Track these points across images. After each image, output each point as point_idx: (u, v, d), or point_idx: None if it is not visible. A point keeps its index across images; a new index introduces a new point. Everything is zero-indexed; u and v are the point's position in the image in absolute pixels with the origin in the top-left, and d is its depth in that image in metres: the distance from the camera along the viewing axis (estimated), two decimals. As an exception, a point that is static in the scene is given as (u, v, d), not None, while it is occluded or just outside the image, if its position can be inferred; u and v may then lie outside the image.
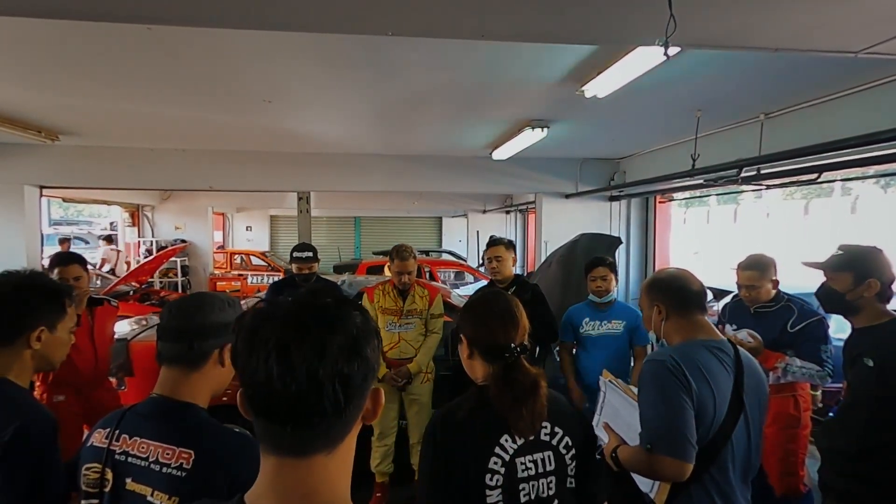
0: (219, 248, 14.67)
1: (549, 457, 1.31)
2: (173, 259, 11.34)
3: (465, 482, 1.25)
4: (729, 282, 3.12)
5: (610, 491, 1.76)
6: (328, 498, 0.70)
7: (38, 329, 1.45)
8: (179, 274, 11.62)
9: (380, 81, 3.79)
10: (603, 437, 1.86)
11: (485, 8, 2.16)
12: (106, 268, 10.56)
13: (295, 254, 3.65)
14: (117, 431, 1.18)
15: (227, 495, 1.09)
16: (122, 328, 3.72)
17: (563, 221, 7.04)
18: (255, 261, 13.82)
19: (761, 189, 5.17)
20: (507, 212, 14.71)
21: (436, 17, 2.24)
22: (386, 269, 3.65)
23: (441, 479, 1.26)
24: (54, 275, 2.87)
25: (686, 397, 1.51)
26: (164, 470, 1.11)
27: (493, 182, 7.29)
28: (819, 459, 2.20)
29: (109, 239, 11.76)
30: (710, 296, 4.98)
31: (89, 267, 3.12)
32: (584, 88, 3.58)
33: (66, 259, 2.97)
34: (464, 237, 16.84)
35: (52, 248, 10.21)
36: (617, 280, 3.45)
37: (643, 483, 1.69)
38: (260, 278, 12.49)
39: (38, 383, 2.83)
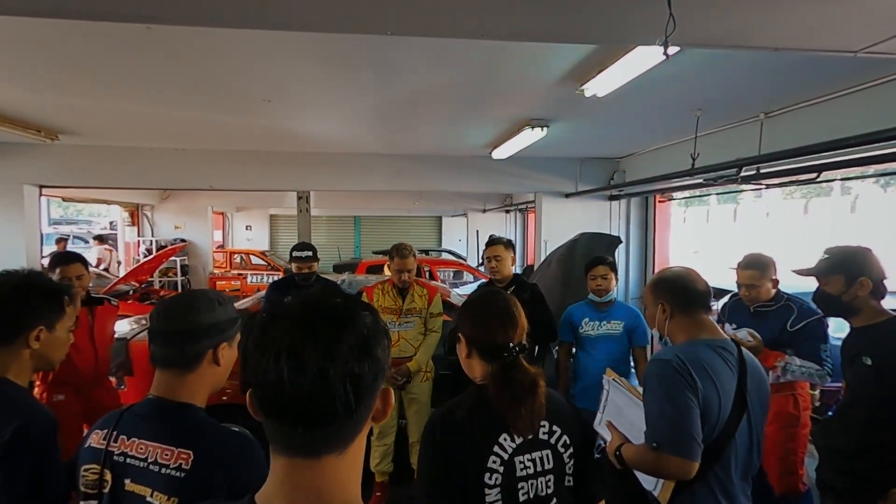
0: (218, 247, 14.67)
1: (547, 456, 1.32)
2: (173, 258, 11.33)
3: (464, 481, 1.25)
4: (728, 281, 3.13)
5: (612, 489, 1.77)
6: (340, 498, 0.70)
7: (36, 328, 1.45)
8: (179, 273, 11.61)
9: (379, 81, 3.78)
10: (605, 435, 1.87)
11: (484, 7, 2.16)
12: (101, 267, 10.54)
13: (294, 253, 3.65)
14: (115, 432, 1.18)
15: (226, 495, 1.10)
16: (122, 327, 3.72)
17: (563, 221, 7.04)
18: (255, 260, 13.82)
19: (761, 188, 5.17)
20: (507, 211, 14.70)
21: (435, 16, 2.24)
22: (385, 268, 3.65)
23: (440, 478, 1.26)
24: (56, 274, 2.88)
25: (692, 396, 1.52)
26: (163, 471, 1.11)
27: (492, 181, 7.29)
28: (818, 458, 2.20)
29: (101, 238, 11.72)
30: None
31: (90, 267, 3.13)
32: (583, 88, 3.57)
33: (68, 258, 2.99)
34: (463, 236, 16.84)
35: (51, 248, 10.19)
36: (617, 279, 3.45)
37: (647, 481, 1.69)
38: (259, 277, 12.49)
39: (37, 383, 2.83)
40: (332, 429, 0.69)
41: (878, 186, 14.49)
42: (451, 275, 10.98)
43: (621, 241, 5.30)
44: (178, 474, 1.10)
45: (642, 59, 2.95)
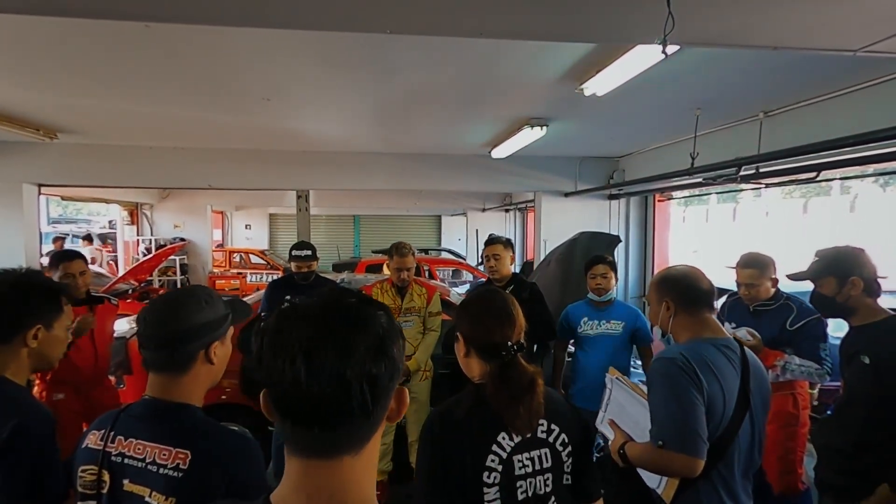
0: (218, 246, 14.67)
1: (545, 454, 1.32)
2: (172, 257, 11.34)
3: (462, 480, 1.25)
4: (728, 280, 3.13)
5: (615, 488, 1.77)
6: (356, 498, 0.70)
7: (34, 327, 1.45)
8: (178, 272, 11.62)
9: (379, 79, 3.78)
10: (608, 433, 1.87)
11: (483, 6, 2.15)
12: (95, 266, 10.54)
13: (294, 252, 3.65)
14: (112, 433, 1.18)
15: (224, 495, 1.09)
16: (122, 326, 3.73)
17: (563, 220, 7.04)
18: (255, 259, 13.81)
19: (760, 187, 5.17)
20: (507, 210, 14.71)
21: (434, 15, 2.24)
22: (385, 267, 3.65)
23: (439, 477, 1.26)
24: (59, 270, 2.90)
25: (697, 394, 1.53)
26: (161, 471, 1.11)
27: (492, 180, 7.29)
28: (816, 457, 2.21)
29: (89, 238, 11.69)
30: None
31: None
32: (583, 87, 3.57)
33: (71, 255, 3.03)
34: (463, 236, 16.85)
35: (47, 247, 10.17)
36: (616, 279, 3.44)
37: (650, 479, 1.70)
38: (259, 277, 12.48)
39: (37, 381, 2.83)
40: (349, 429, 0.69)
41: (878, 186, 14.50)
42: (450, 274, 10.99)
43: (620, 241, 5.30)
44: (175, 474, 1.10)
45: (641, 58, 2.95)
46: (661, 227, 7.33)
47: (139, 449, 1.14)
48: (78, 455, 1.20)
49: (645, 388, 1.81)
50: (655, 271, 6.97)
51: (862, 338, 2.05)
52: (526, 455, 1.30)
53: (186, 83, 3.87)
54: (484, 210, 15.46)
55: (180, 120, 5.08)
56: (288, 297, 3.62)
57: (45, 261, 6.44)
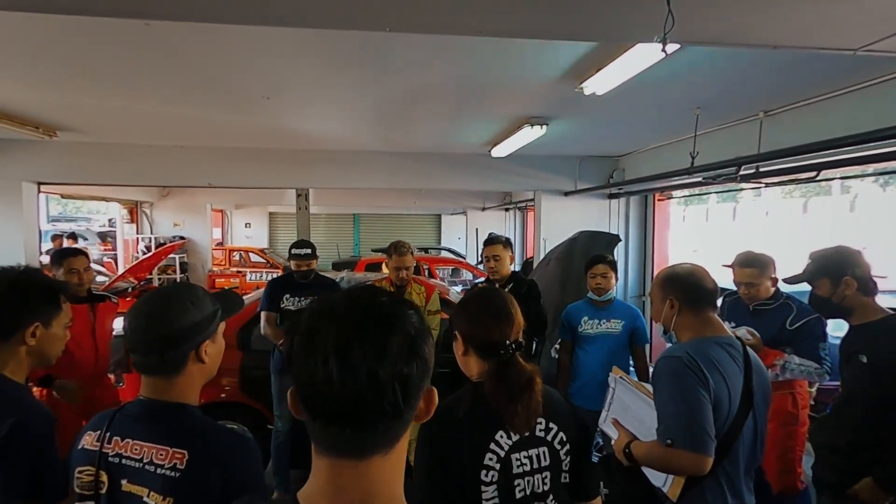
0: (217, 244, 14.68)
1: (544, 452, 1.32)
2: (172, 256, 11.35)
3: (461, 478, 1.25)
4: (727, 279, 3.13)
5: (620, 487, 1.77)
6: (385, 499, 0.70)
7: (32, 325, 1.45)
8: (178, 271, 11.62)
9: (378, 78, 3.78)
10: (611, 433, 1.87)
11: (483, 4, 2.15)
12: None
13: (293, 250, 3.65)
14: (108, 434, 1.17)
15: (221, 494, 1.09)
16: (121, 325, 3.72)
17: (562, 219, 7.03)
18: (254, 258, 13.83)
19: (760, 187, 5.16)
20: (507, 209, 14.71)
21: (434, 13, 2.23)
22: (384, 265, 3.65)
23: (437, 475, 1.26)
24: (63, 267, 2.92)
25: (704, 392, 1.54)
26: (159, 471, 1.11)
27: (492, 179, 7.28)
28: (814, 456, 2.22)
29: (74, 237, 11.67)
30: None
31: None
32: (583, 85, 3.57)
33: (74, 251, 3.07)
34: (463, 235, 16.85)
35: (46, 245, 10.16)
36: (617, 278, 3.45)
37: (655, 477, 1.70)
38: (258, 275, 12.49)
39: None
40: (380, 430, 0.68)
41: (878, 185, 14.50)
42: (449, 273, 11.01)
43: (620, 240, 5.30)
44: (173, 474, 1.10)
45: (641, 57, 2.94)
46: (661, 226, 7.32)
47: (136, 449, 1.14)
48: (74, 456, 1.20)
49: (648, 387, 1.81)
50: (655, 271, 6.98)
51: (860, 337, 2.06)
52: (524, 453, 1.30)
53: (186, 81, 3.86)
54: (484, 209, 15.46)
55: (180, 118, 5.07)
56: (287, 296, 3.62)
57: (45, 259, 6.47)
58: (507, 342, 1.31)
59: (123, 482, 1.13)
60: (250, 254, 13.97)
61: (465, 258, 13.67)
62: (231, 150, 6.69)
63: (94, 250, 11.91)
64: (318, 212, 14.71)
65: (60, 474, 1.30)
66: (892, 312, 2.07)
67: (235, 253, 14.02)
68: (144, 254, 11.03)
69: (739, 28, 2.38)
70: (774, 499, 2.77)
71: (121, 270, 10.65)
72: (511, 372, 1.29)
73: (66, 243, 10.85)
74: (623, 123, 5.27)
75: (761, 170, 4.34)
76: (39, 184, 6.44)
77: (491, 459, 1.27)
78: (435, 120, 5.19)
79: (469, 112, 4.84)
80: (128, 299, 7.53)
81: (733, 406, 1.60)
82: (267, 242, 16.93)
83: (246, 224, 17.20)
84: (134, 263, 10.16)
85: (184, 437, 1.13)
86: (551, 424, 1.34)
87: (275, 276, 5.90)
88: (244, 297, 4.47)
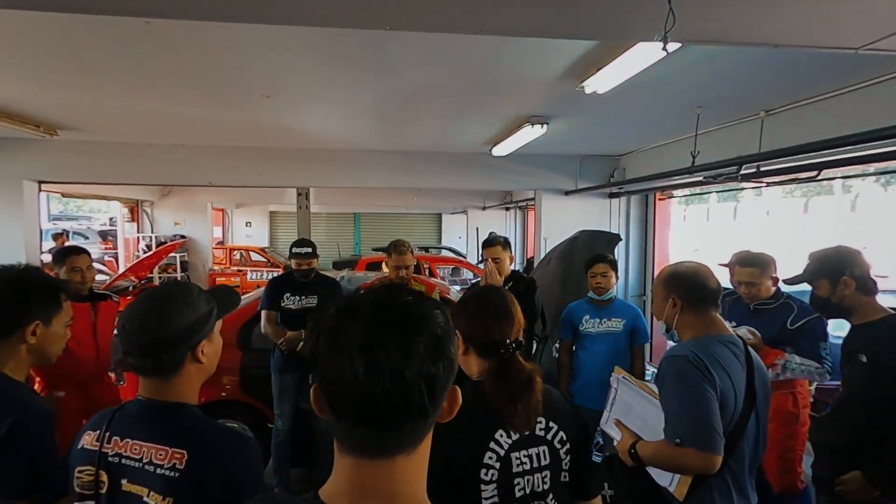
0: (218, 243, 14.69)
1: (543, 452, 1.32)
2: (173, 255, 11.36)
3: (460, 477, 1.25)
4: (726, 278, 3.13)
5: (625, 487, 1.77)
6: (408, 499, 0.70)
7: (33, 323, 1.45)
8: (179, 269, 11.63)
9: (379, 76, 3.77)
10: (614, 434, 1.87)
11: (484, 3, 2.15)
12: None
13: (294, 249, 3.65)
14: (108, 434, 1.17)
15: (221, 493, 1.09)
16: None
17: (563, 218, 7.02)
18: (255, 257, 13.84)
19: (761, 186, 5.15)
20: (507, 208, 14.70)
21: (434, 11, 2.23)
22: (384, 265, 3.65)
23: (437, 474, 1.25)
24: (66, 265, 2.93)
25: (711, 390, 1.55)
26: (158, 471, 1.10)
27: (492, 178, 7.27)
28: (814, 455, 2.22)
29: (66, 235, 11.67)
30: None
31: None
32: (583, 84, 3.56)
33: (77, 249, 3.08)
34: (463, 234, 16.85)
35: (48, 244, 10.17)
36: (617, 277, 3.44)
37: (661, 477, 1.70)
38: (259, 274, 12.50)
39: (38, 379, 2.83)
40: (406, 430, 0.68)
41: (879, 185, 14.48)
42: (449, 272, 11.01)
43: (621, 239, 5.30)
44: (172, 474, 1.10)
45: (642, 55, 2.94)
46: (662, 225, 7.32)
47: (136, 449, 1.14)
48: (73, 455, 1.20)
49: (653, 387, 1.81)
50: (656, 270, 6.97)
51: (860, 337, 2.06)
52: (524, 452, 1.29)
53: (186, 80, 3.86)
54: (484, 208, 15.45)
55: (180, 117, 5.07)
56: (288, 295, 3.62)
57: (46, 257, 6.47)
58: (508, 341, 1.31)
59: (123, 482, 1.13)
60: (251, 253, 13.98)
61: (465, 257, 13.67)
62: (232, 149, 6.69)
63: (95, 249, 11.93)
64: (318, 211, 14.71)
65: (60, 472, 1.31)
66: (892, 312, 2.07)
67: (236, 252, 14.03)
68: (145, 252, 11.04)
69: (740, 27, 2.37)
70: (774, 498, 2.77)
71: (122, 269, 10.66)
72: (511, 371, 1.29)
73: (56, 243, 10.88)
74: (624, 122, 5.27)
75: (762, 169, 4.34)
76: (40, 182, 6.45)
77: (491, 458, 1.27)
78: (435, 119, 5.19)
79: (469, 111, 4.84)
80: (128, 298, 7.53)
81: (738, 404, 1.61)
82: (267, 241, 16.94)
83: (246, 223, 17.21)
84: (135, 262, 10.17)
85: (183, 437, 1.13)
86: (551, 423, 1.34)
87: (275, 274, 5.90)
88: (244, 296, 4.48)
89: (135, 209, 12.37)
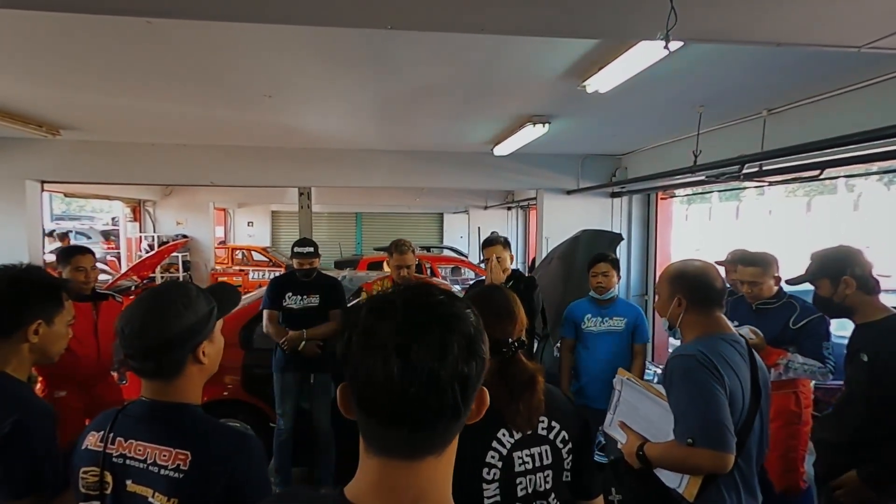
0: (220, 243, 14.71)
1: (546, 451, 1.31)
2: (175, 254, 11.38)
3: (462, 476, 1.24)
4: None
5: (632, 490, 1.76)
6: (436, 500, 0.69)
7: (35, 323, 1.45)
8: (181, 269, 11.65)
9: (380, 76, 3.77)
10: (618, 436, 1.86)
11: (485, 2, 2.14)
12: None
13: (296, 249, 3.65)
14: (112, 434, 1.17)
15: (225, 493, 1.09)
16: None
17: (565, 218, 7.01)
18: (257, 256, 13.86)
19: (763, 185, 5.14)
20: (509, 208, 14.69)
21: (436, 10, 2.23)
22: (385, 264, 3.65)
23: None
24: (71, 264, 2.95)
25: (721, 389, 1.54)
26: (163, 472, 1.11)
27: (494, 178, 7.27)
28: (815, 453, 2.22)
29: (67, 236, 11.71)
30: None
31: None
32: (585, 84, 3.55)
33: (82, 249, 3.10)
34: (465, 233, 16.84)
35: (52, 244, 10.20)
36: (619, 277, 3.44)
37: (669, 478, 1.69)
38: (261, 274, 12.52)
39: (40, 378, 2.84)
40: (438, 430, 0.67)
41: (882, 184, 14.44)
42: (449, 271, 11.03)
43: (623, 239, 5.29)
44: (176, 475, 1.10)
45: (644, 54, 2.93)
46: (664, 225, 7.30)
47: (139, 450, 1.14)
48: (77, 456, 1.20)
49: (658, 387, 1.80)
50: (658, 270, 6.96)
51: (862, 336, 2.06)
52: (526, 452, 1.29)
53: (188, 80, 3.87)
54: (486, 208, 15.45)
55: (182, 117, 5.07)
56: (289, 294, 3.63)
57: (49, 257, 6.49)
58: (510, 340, 1.31)
59: (128, 483, 1.13)
60: (253, 252, 14.01)
61: (467, 257, 13.67)
62: (233, 149, 6.70)
63: (98, 249, 11.96)
64: (320, 210, 14.72)
65: (60, 469, 1.31)
66: (894, 311, 2.06)
67: (238, 251, 14.06)
68: (147, 252, 11.06)
69: (742, 25, 2.37)
70: (777, 498, 2.77)
71: (124, 269, 10.69)
72: (513, 370, 1.28)
73: (60, 243, 10.93)
74: (625, 122, 5.26)
75: (764, 168, 4.33)
76: (43, 182, 6.46)
77: (493, 457, 1.26)
78: (437, 118, 5.19)
79: (471, 110, 4.83)
80: (131, 297, 7.55)
81: (746, 403, 1.61)
82: (269, 241, 16.96)
83: (248, 223, 17.23)
84: (137, 262, 10.19)
85: (186, 439, 1.13)
86: (553, 423, 1.33)
87: (277, 274, 5.91)
88: (246, 296, 4.49)
89: (137, 209, 12.39)
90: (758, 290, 2.84)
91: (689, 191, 6.88)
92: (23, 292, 1.45)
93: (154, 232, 12.25)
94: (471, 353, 0.67)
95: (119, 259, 12.66)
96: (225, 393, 3.74)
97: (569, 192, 7.27)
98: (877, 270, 2.10)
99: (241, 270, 12.79)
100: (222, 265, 13.20)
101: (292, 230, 15.40)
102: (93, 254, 3.11)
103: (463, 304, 0.72)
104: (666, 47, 2.21)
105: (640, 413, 1.85)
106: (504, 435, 1.28)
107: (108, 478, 1.15)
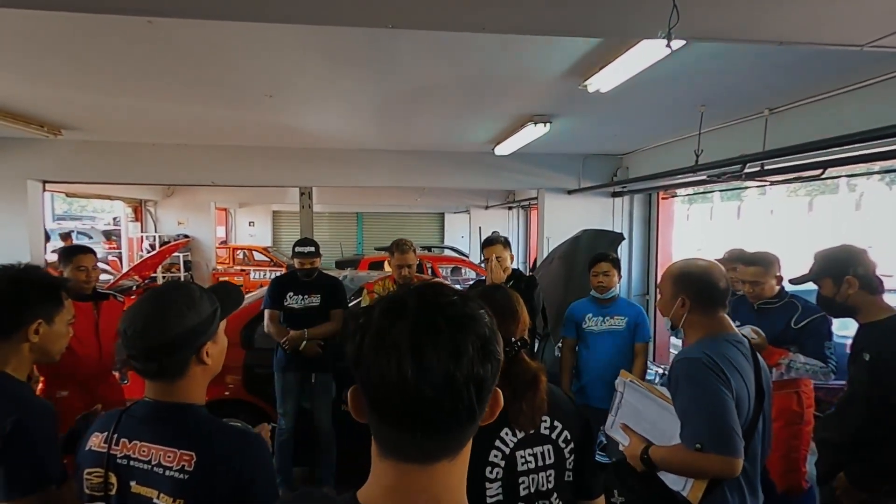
0: (221, 243, 14.72)
1: (548, 450, 1.31)
2: (176, 254, 11.39)
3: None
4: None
5: (636, 493, 1.75)
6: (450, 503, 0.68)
7: (35, 322, 1.45)
8: (182, 269, 11.66)
9: (381, 75, 3.77)
10: (620, 438, 1.84)
11: (486, 1, 2.14)
12: None
13: (297, 248, 3.65)
14: (115, 435, 1.17)
15: (231, 492, 1.09)
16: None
17: (566, 217, 7.01)
18: (258, 256, 13.87)
19: (765, 185, 5.13)
20: (510, 208, 14.69)
21: (437, 9, 2.22)
22: (386, 264, 3.65)
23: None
24: (72, 263, 2.95)
25: (727, 392, 1.53)
26: (167, 473, 1.10)
27: (495, 178, 7.26)
28: (817, 453, 2.22)
29: (69, 237, 11.74)
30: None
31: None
32: (586, 83, 3.55)
33: (84, 248, 3.12)
34: (466, 233, 16.84)
35: (54, 244, 10.22)
36: (620, 276, 3.44)
37: (673, 481, 1.67)
38: (262, 273, 12.53)
39: (41, 378, 2.84)
40: (453, 433, 0.66)
41: (884, 184, 14.41)
42: (451, 271, 11.03)
43: (624, 238, 5.29)
44: (181, 476, 1.09)
45: (646, 53, 2.93)
46: (665, 224, 7.29)
47: (144, 451, 1.13)
48: (81, 457, 1.19)
49: (661, 389, 1.79)
50: (660, 269, 6.95)
51: (865, 336, 2.06)
52: (529, 451, 1.29)
53: (188, 79, 3.87)
54: (487, 207, 15.44)
55: (183, 116, 5.08)
56: (291, 294, 3.63)
57: (52, 257, 6.49)
58: (513, 340, 1.30)
59: (133, 484, 1.13)
60: (254, 252, 14.02)
61: (467, 257, 13.66)
62: (234, 149, 6.70)
63: (99, 249, 11.99)
64: (321, 210, 14.73)
65: (60, 466, 1.33)
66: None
67: (239, 251, 14.08)
68: (149, 252, 11.08)
69: (744, 23, 2.36)
70: (779, 498, 2.76)
71: (125, 269, 10.70)
72: (516, 370, 1.28)
73: (63, 244, 10.94)
74: (627, 121, 5.25)
75: (766, 168, 4.32)
76: (44, 182, 6.46)
77: (496, 456, 1.26)
78: (438, 118, 5.18)
79: (472, 110, 4.83)
80: (132, 297, 7.56)
81: (750, 404, 1.60)
82: (270, 241, 16.97)
83: (250, 222, 17.24)
84: (138, 262, 10.21)
85: (191, 439, 1.13)
86: (556, 422, 1.33)
87: (278, 274, 5.91)
88: (247, 296, 4.49)
89: (138, 209, 12.41)
90: (759, 289, 2.83)
91: (690, 190, 6.88)
92: (23, 292, 1.45)
93: (155, 232, 12.26)
94: (486, 355, 0.66)
95: (120, 259, 12.68)
96: (226, 392, 3.74)
97: (570, 192, 7.26)
98: (880, 270, 2.09)
99: (242, 270, 12.80)
100: (223, 265, 13.22)
101: (293, 230, 15.40)
102: (94, 253, 3.12)
103: (476, 304, 0.71)
104: (668, 46, 2.20)
105: (642, 415, 1.83)
106: (507, 434, 1.28)
107: (113, 479, 1.14)
